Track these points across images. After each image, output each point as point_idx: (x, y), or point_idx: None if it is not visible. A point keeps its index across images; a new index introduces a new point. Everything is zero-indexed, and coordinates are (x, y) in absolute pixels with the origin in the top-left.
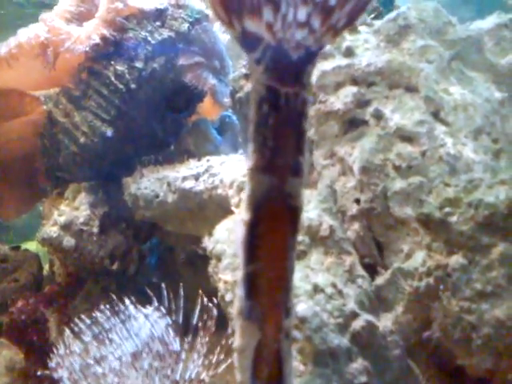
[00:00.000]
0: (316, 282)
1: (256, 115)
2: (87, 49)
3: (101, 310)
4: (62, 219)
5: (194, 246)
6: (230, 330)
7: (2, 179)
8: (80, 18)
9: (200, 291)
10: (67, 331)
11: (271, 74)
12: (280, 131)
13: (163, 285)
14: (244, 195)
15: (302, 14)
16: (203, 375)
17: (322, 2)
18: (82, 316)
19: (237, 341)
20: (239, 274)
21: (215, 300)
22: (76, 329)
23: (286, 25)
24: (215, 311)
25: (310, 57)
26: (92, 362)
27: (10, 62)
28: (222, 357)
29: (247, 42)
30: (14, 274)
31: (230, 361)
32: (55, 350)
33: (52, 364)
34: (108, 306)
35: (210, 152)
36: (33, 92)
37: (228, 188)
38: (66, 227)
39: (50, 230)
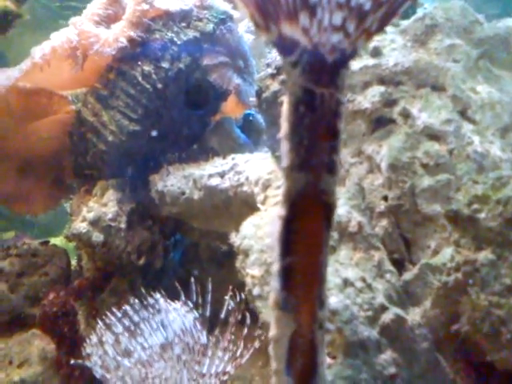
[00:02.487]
0: (346, 276)
1: (292, 116)
2: (114, 52)
3: (131, 304)
4: (91, 215)
5: (218, 242)
6: (258, 324)
7: (30, 176)
8: (108, 20)
9: (230, 286)
10: (100, 322)
11: (307, 76)
12: (315, 131)
13: (192, 280)
14: (277, 194)
15: (338, 18)
16: (228, 367)
17: (357, 6)
18: (113, 309)
19: (272, 331)
20: (275, 267)
21: (241, 295)
22: (107, 321)
23: (321, 29)
24: (239, 305)
25: (345, 59)
26: (122, 352)
27: (43, 66)
28: (247, 350)
29: (284, 45)
30: (44, 268)
31: (253, 354)
32: (88, 340)
33: (85, 352)
34: (137, 300)
35: (233, 150)
36: (61, 92)
37: (253, 185)
38: (95, 223)
39: (80, 225)
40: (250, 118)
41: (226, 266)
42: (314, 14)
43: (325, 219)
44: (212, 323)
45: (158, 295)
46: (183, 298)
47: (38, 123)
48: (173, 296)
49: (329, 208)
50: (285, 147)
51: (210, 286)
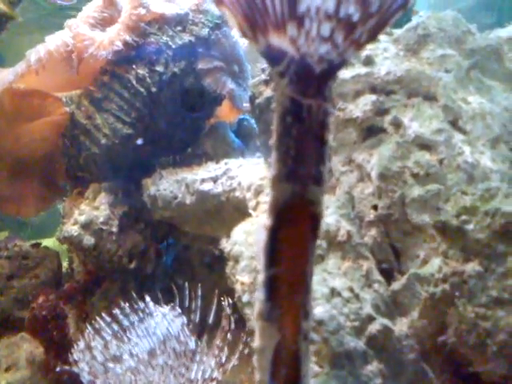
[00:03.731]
0: (333, 285)
1: (279, 126)
2: (109, 55)
3: (120, 308)
4: (83, 218)
5: (210, 247)
6: (246, 330)
7: (22, 178)
8: (104, 23)
9: (213, 292)
10: (88, 327)
11: (295, 86)
12: (302, 141)
13: (185, 284)
14: (267, 201)
15: (326, 29)
16: (216, 374)
17: (345, 18)
18: (103, 314)
19: (256, 341)
20: (260, 277)
21: (230, 300)
22: (96, 325)
23: (309, 39)
24: (230, 311)
25: (333, 70)
26: (111, 358)
27: (38, 70)
28: (235, 356)
29: (271, 56)
30: (35, 271)
31: (243, 359)
32: (76, 345)
33: (73, 358)
34: (127, 304)
35: (227, 155)
36: (55, 94)
37: (245, 191)
38: (86, 226)
39: (71, 228)
40: (245, 123)
41: (217, 270)
42: (302, 24)
43: (311, 230)
44: (203, 328)
45: (147, 300)
46: (173, 303)
47: (31, 124)
48: (164, 300)
49: (315, 218)
50: (273, 157)
51: (199, 291)
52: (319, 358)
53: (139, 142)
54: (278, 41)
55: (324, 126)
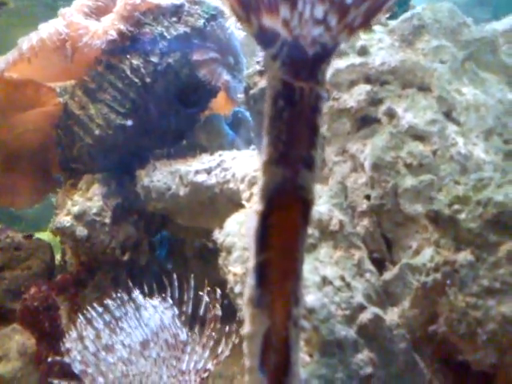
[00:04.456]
0: (325, 274)
1: (271, 109)
2: (104, 44)
3: (112, 299)
4: (76, 209)
5: (204, 239)
6: (237, 321)
7: (16, 169)
8: (98, 12)
9: (210, 283)
10: (80, 317)
11: (287, 69)
12: (294, 125)
13: (174, 276)
14: (257, 187)
15: (319, 11)
16: (209, 365)
17: (338, 0)
18: (94, 304)
19: (246, 328)
20: (250, 263)
21: (219, 291)
22: (88, 315)
23: (302, 21)
24: (220, 302)
25: (326, 54)
26: (103, 348)
27: (31, 58)
28: (227, 347)
29: (264, 38)
30: (27, 262)
31: (235, 351)
32: (68, 335)
33: (65, 347)
34: (118, 296)
35: (222, 147)
36: (49, 84)
37: (239, 182)
38: (79, 217)
39: (64, 219)
40: (239, 115)
41: (211, 262)
42: (295, 6)
43: (302, 215)
44: (196, 319)
45: (137, 292)
46: (165, 294)
47: (24, 115)
48: (157, 292)
49: (306, 204)
50: (264, 141)
51: (192, 282)
52: (309, 346)
53: (129, 123)
54: (270, 22)
55: (316, 110)
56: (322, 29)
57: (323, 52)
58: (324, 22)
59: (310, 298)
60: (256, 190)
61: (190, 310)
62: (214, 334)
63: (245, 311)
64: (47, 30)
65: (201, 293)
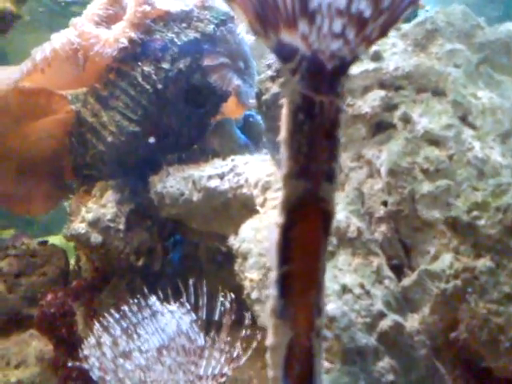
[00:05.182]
0: (344, 282)
1: (291, 123)
2: (115, 52)
3: (129, 305)
4: (90, 216)
5: (217, 244)
6: (249, 325)
7: (30, 177)
8: (109, 20)
9: (221, 288)
10: (96, 324)
11: (307, 83)
12: (314, 138)
13: (190, 281)
14: (276, 198)
15: (338, 25)
16: (225, 369)
17: (357, 14)
18: (111, 310)
19: (270, 339)
20: (272, 275)
21: (233, 295)
22: (105, 322)
23: (321, 36)
24: (234, 307)
25: (344, 66)
26: (120, 355)
27: (44, 68)
28: (244, 352)
29: (283, 52)
30: (43, 269)
31: (252, 356)
32: (86, 341)
33: (83, 353)
34: (135, 301)
35: (234, 151)
36: (61, 92)
37: (253, 187)
38: (94, 224)
39: (78, 226)
40: (251, 119)
41: (225, 267)
42: (313, 20)
43: (323, 227)
44: (211, 325)
45: (154, 298)
46: (181, 299)
47: (37, 123)
48: (172, 297)
49: (327, 216)
50: (284, 154)
51: (204, 288)
52: (331, 354)
53: (151, 140)
54: (289, 38)
55: (336, 122)
56: (341, 42)
57: (342, 65)
58: (342, 36)
59: (331, 306)
60: (269, 195)
61: (204, 315)
62: (230, 338)
63: (268, 322)
64: (59, 40)
65: (218, 298)
